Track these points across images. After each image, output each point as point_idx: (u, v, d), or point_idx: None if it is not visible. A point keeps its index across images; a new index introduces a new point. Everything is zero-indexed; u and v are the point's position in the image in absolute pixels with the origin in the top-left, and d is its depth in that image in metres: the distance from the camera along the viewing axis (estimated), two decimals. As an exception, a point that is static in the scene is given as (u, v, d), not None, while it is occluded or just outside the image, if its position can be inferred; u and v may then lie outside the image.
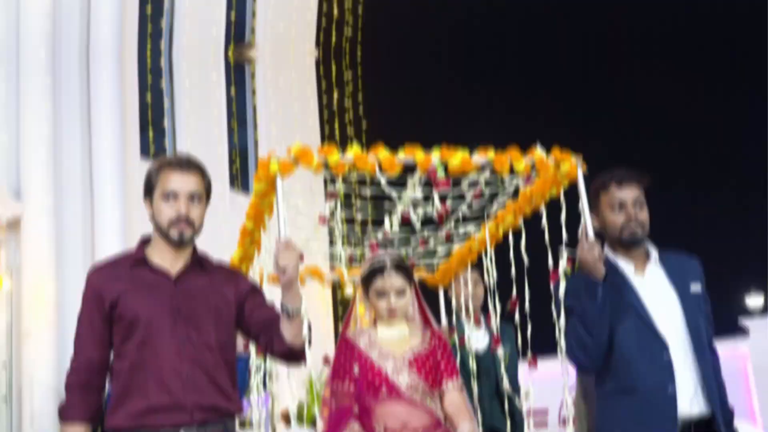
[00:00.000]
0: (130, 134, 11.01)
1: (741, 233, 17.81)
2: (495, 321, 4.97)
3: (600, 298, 3.20)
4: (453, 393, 3.45)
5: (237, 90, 13.54)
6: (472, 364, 4.94)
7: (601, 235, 3.47)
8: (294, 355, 3.03)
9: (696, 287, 3.36)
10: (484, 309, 5.18)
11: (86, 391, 2.88)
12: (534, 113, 18.33)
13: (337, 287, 11.26)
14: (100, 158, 10.42)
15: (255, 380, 5.17)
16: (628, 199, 3.36)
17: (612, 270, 3.32)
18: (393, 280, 3.42)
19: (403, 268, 3.49)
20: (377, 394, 3.36)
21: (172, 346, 2.85)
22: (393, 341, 3.46)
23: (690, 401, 3.19)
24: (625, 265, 3.38)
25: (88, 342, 2.90)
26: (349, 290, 5.52)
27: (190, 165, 2.98)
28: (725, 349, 11.44)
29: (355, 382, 3.41)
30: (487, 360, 4.99)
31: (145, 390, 2.82)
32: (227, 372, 2.96)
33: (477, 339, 5.07)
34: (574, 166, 3.83)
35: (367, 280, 3.48)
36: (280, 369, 4.25)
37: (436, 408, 3.41)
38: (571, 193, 3.77)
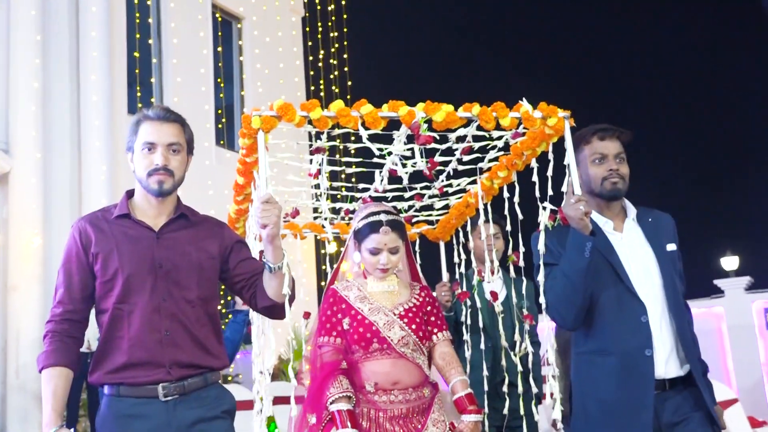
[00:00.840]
0: (118, 91, 10.96)
1: (718, 197, 18.01)
2: (487, 275, 4.84)
3: (589, 253, 3.14)
4: (443, 345, 3.45)
5: (224, 47, 13.50)
6: (484, 317, 4.86)
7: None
8: (276, 311, 3.03)
9: (671, 245, 3.34)
10: (502, 262, 5.07)
11: (65, 339, 2.86)
12: (525, 73, 18.31)
13: (321, 242, 11.28)
14: (88, 114, 10.38)
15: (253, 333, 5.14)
16: (609, 151, 3.34)
17: (593, 227, 3.26)
18: (388, 239, 3.39)
19: (399, 226, 3.45)
20: (368, 348, 3.33)
21: (152, 302, 2.84)
22: (383, 295, 3.44)
23: (666, 363, 3.19)
24: (605, 223, 3.36)
25: (68, 294, 2.90)
26: (331, 247, 5.42)
27: (168, 116, 2.95)
28: (702, 309, 11.67)
29: (343, 336, 3.38)
30: (505, 311, 4.83)
31: (122, 346, 2.82)
32: (210, 327, 2.96)
33: (495, 290, 4.88)
34: (561, 120, 3.77)
35: (361, 235, 3.44)
36: (265, 324, 4.27)
37: (424, 363, 3.40)
38: (563, 147, 3.67)
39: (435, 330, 3.47)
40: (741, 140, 19.20)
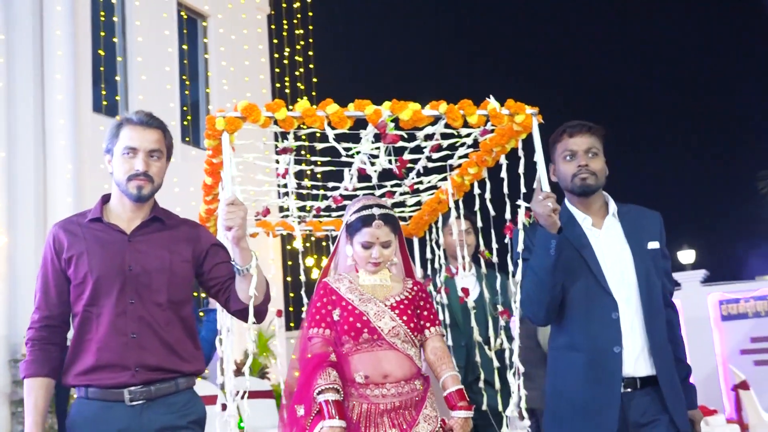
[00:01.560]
0: (83, 89, 10.93)
1: (675, 192, 18.32)
2: (460, 270, 4.90)
3: (554, 251, 3.13)
4: (435, 340, 3.42)
5: (189, 45, 13.48)
6: (456, 314, 4.88)
7: (557, 187, 3.43)
8: (248, 313, 3.03)
9: (653, 244, 3.33)
10: (474, 257, 5.08)
11: (46, 346, 2.87)
12: (493, 71, 18.39)
13: (286, 237, 11.29)
14: (53, 113, 10.34)
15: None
16: (579, 147, 3.33)
17: (571, 223, 3.29)
18: (380, 232, 3.36)
19: (391, 220, 3.42)
20: (358, 338, 3.28)
21: (119, 305, 2.83)
22: (375, 288, 3.41)
23: (635, 362, 3.17)
24: (583, 219, 3.35)
25: (45, 299, 2.91)
26: (297, 243, 5.42)
27: (152, 122, 2.95)
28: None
29: (332, 328, 3.34)
30: (478, 307, 4.83)
31: (91, 348, 2.82)
32: (183, 330, 2.94)
33: (468, 286, 4.87)
34: (529, 117, 3.80)
35: (353, 229, 3.41)
36: (233, 322, 4.28)
37: (415, 355, 3.36)
38: (533, 144, 3.71)
39: (427, 324, 3.43)
40: (698, 137, 19.52)
